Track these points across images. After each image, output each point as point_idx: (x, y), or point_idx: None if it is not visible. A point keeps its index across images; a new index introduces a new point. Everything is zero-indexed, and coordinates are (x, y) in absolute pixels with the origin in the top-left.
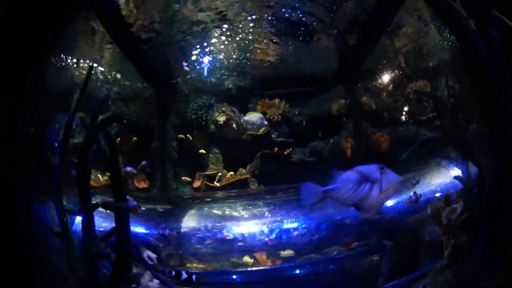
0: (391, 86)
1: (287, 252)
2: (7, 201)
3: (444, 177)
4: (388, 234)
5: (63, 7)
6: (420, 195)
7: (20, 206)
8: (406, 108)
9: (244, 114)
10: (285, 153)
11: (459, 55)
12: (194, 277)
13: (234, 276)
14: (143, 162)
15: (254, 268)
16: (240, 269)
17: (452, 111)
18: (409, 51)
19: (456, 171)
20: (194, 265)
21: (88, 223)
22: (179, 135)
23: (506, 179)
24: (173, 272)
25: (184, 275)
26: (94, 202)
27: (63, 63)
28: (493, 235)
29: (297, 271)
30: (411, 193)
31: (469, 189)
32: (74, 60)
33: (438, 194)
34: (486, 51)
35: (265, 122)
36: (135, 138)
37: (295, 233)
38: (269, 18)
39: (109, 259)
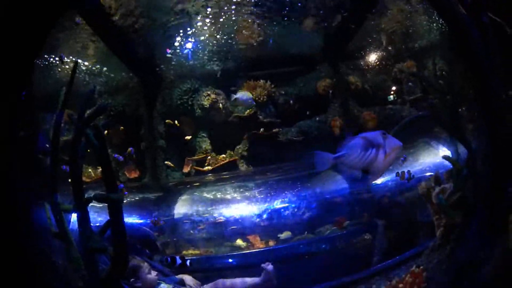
0: (378, 65)
1: (285, 234)
2: (8, 203)
3: (433, 156)
4: (380, 212)
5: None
6: (413, 176)
7: (21, 209)
8: (393, 88)
9: (235, 94)
10: (273, 133)
11: (448, 37)
12: (188, 261)
13: (230, 260)
14: (130, 149)
15: (248, 251)
16: (235, 253)
17: (440, 91)
18: (396, 31)
19: (445, 151)
20: (190, 251)
21: (84, 218)
22: (166, 121)
23: (500, 161)
24: (169, 259)
25: (179, 261)
26: (87, 196)
27: (47, 62)
28: (490, 217)
29: (292, 252)
30: (405, 171)
31: (458, 170)
32: (57, 58)
33: (428, 174)
34: (477, 35)
35: (254, 102)
36: (122, 128)
37: (286, 212)
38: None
39: (107, 252)
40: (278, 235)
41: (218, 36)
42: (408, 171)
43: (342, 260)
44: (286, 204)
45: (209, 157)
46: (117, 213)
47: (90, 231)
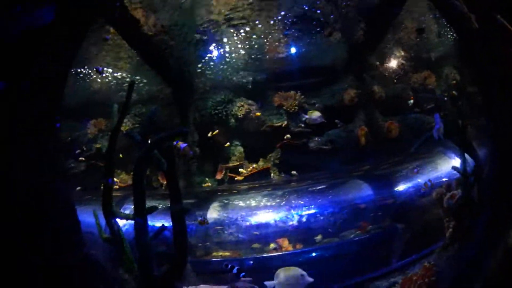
0: (398, 76)
1: (319, 237)
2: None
3: (448, 165)
4: (400, 217)
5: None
6: (433, 184)
7: (66, 214)
8: (412, 97)
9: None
10: (303, 142)
11: (459, 49)
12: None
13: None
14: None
15: (277, 253)
16: (265, 255)
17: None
18: (412, 43)
19: (457, 160)
20: (220, 253)
21: (144, 225)
22: (209, 134)
23: (505, 169)
24: (229, 265)
25: (235, 270)
26: (152, 205)
27: (79, 73)
28: (494, 219)
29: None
30: (427, 181)
31: (465, 178)
32: (93, 69)
33: (444, 179)
34: (485, 47)
35: (324, 120)
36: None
37: (313, 219)
38: (281, 14)
39: (164, 256)
40: (314, 238)
41: (248, 51)
42: (429, 180)
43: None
44: (313, 211)
45: (242, 165)
46: (181, 222)
47: (149, 238)
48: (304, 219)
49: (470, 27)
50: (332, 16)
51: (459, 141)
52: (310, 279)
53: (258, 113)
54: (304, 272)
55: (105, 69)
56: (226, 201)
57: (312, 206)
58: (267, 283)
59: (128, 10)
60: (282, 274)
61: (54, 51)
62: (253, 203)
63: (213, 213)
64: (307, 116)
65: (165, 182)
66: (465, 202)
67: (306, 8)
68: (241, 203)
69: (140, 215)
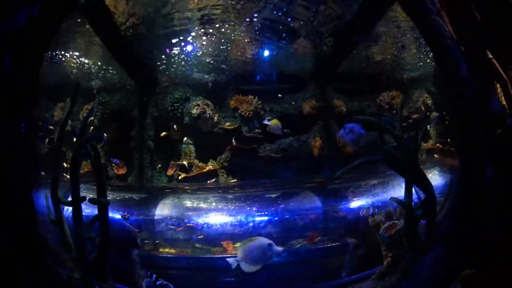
0: (364, 92)
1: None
2: (13, 188)
3: (399, 189)
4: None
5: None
6: (377, 211)
7: (24, 194)
8: (376, 115)
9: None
10: (253, 147)
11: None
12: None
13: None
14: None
15: (221, 255)
16: (208, 256)
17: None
18: (386, 60)
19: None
20: (166, 250)
21: (78, 213)
22: (162, 133)
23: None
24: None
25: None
26: (82, 196)
27: (53, 58)
28: (445, 258)
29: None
30: (371, 206)
31: (409, 211)
32: (65, 54)
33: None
34: (467, 75)
35: (281, 132)
36: (116, 126)
37: (261, 224)
38: (253, 17)
39: (95, 241)
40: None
41: (213, 49)
42: (373, 207)
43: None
44: (263, 218)
45: (191, 164)
46: (104, 212)
47: (82, 224)
48: (250, 224)
49: (452, 51)
50: (304, 25)
51: (408, 170)
52: (279, 249)
53: (216, 115)
54: (270, 241)
55: (76, 53)
56: (175, 200)
57: (263, 212)
58: (229, 259)
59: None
60: (245, 246)
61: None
62: (202, 205)
63: (164, 210)
64: (268, 123)
65: (119, 173)
66: (407, 235)
67: (280, 14)
68: (190, 203)
69: (74, 203)
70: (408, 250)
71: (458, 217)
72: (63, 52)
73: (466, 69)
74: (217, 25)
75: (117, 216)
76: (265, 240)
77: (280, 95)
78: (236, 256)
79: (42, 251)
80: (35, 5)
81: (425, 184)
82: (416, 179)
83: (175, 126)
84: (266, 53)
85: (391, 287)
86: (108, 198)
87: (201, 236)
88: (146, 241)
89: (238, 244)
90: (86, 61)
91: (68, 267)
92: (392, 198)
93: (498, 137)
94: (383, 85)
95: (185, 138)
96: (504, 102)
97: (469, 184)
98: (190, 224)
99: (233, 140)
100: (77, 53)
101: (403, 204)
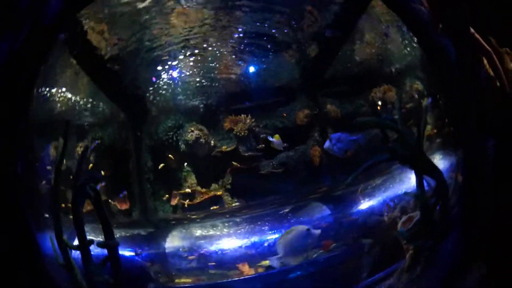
0: (355, 92)
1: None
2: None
3: (408, 182)
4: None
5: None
6: (396, 204)
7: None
8: (371, 114)
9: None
10: (253, 166)
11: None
12: None
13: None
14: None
15: (240, 277)
16: (225, 280)
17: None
18: (372, 57)
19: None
20: (182, 280)
21: (87, 255)
22: (160, 165)
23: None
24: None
25: None
26: (90, 239)
27: (41, 94)
28: (465, 242)
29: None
30: (389, 201)
31: (423, 202)
32: (52, 91)
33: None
34: (456, 63)
35: (281, 148)
36: (111, 162)
37: (273, 243)
38: (238, 32)
39: (109, 283)
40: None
41: (199, 71)
42: (393, 200)
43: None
44: (273, 236)
45: (194, 191)
46: (115, 254)
47: (93, 266)
48: (265, 244)
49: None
50: (286, 35)
51: (415, 162)
52: (317, 231)
53: (212, 139)
54: (307, 226)
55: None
56: (184, 230)
57: (274, 231)
58: (271, 260)
59: (85, 37)
60: (284, 239)
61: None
62: (212, 231)
63: (173, 241)
64: (272, 140)
65: (123, 208)
66: (425, 225)
67: (266, 26)
68: (200, 231)
69: (81, 246)
70: (428, 240)
71: (468, 198)
72: (49, 88)
73: (454, 54)
74: (203, 46)
75: (127, 253)
76: (302, 227)
77: (271, 109)
78: (275, 257)
79: None
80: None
81: (434, 171)
82: (425, 168)
83: (170, 155)
84: (252, 69)
85: (417, 278)
86: (115, 236)
87: (214, 264)
88: (159, 274)
89: (263, 262)
90: (75, 97)
91: None
92: (406, 193)
93: (494, 110)
94: (372, 81)
95: (184, 165)
96: (492, 74)
97: (473, 163)
98: (203, 252)
99: (233, 163)
100: (64, 89)
101: (417, 196)
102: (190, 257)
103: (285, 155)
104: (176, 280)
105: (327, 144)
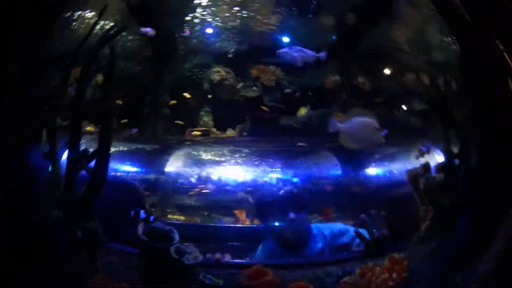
0: (389, 71)
1: None
2: None
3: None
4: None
5: None
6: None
7: None
8: (401, 96)
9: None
10: (274, 117)
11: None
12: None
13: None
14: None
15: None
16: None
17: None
18: (410, 39)
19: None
20: (175, 216)
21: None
22: (170, 102)
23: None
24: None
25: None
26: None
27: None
28: (487, 208)
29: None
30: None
31: (449, 160)
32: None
33: None
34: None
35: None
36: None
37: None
38: None
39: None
40: None
41: (236, 19)
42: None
43: None
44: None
45: (209, 132)
46: (105, 145)
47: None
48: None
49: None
50: None
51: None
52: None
53: (237, 83)
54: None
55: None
56: (191, 151)
57: (278, 169)
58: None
59: None
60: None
61: None
62: (217, 158)
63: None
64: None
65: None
66: (446, 188)
67: None
68: (205, 156)
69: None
70: (447, 207)
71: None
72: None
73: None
74: None
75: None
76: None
77: (300, 69)
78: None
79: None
80: None
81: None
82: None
83: (186, 94)
84: (289, 26)
85: (431, 252)
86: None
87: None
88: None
89: None
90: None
91: (49, 207)
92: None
93: None
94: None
95: (204, 105)
96: None
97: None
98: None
99: (262, 107)
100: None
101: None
102: (191, 192)
103: (307, 114)
104: (169, 216)
105: (285, 49)
